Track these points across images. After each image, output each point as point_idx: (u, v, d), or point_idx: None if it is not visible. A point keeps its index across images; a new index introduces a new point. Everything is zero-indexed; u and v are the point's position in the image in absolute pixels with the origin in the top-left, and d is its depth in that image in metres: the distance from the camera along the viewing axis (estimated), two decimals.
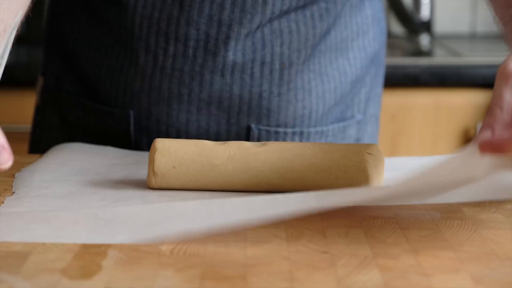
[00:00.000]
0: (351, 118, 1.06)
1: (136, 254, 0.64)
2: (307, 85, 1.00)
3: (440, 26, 2.22)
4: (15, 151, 0.82)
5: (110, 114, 1.01)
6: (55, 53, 1.07)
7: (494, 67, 1.98)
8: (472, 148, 0.70)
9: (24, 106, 1.84)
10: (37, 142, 1.10)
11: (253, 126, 0.98)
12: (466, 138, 1.87)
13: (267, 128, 0.99)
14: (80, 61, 1.03)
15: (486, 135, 0.71)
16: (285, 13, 0.97)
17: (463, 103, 1.87)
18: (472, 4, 2.25)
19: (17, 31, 0.83)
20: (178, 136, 0.99)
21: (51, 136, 1.07)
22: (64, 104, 1.05)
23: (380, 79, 1.11)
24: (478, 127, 1.86)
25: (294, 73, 0.99)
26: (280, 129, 0.99)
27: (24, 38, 2.16)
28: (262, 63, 0.97)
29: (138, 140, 1.00)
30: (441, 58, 1.93)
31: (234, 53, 0.96)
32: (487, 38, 2.24)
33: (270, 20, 0.96)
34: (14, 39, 0.82)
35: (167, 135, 0.99)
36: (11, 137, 1.15)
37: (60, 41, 1.06)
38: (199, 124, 0.98)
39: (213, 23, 0.95)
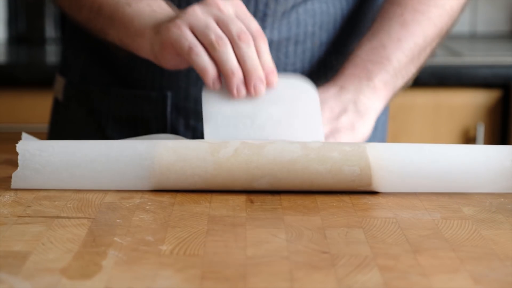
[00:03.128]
0: None
1: (136, 254, 0.64)
2: (336, 65, 1.04)
3: None
4: (15, 151, 0.82)
5: (146, 98, 1.04)
6: (80, 49, 1.09)
7: (494, 67, 1.99)
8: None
9: (24, 106, 1.84)
10: (58, 136, 1.12)
11: None
12: (466, 138, 1.87)
13: None
14: (111, 51, 1.04)
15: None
16: None
17: (463, 103, 1.87)
18: (472, 4, 2.25)
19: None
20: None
21: (76, 129, 1.09)
22: (93, 96, 1.07)
23: None
24: (478, 127, 1.86)
25: (324, 53, 1.04)
26: None
27: (24, 38, 2.16)
28: (296, 42, 1.02)
29: (175, 122, 1.03)
30: (441, 58, 1.93)
31: (271, 31, 1.01)
32: (487, 38, 2.24)
33: (305, 0, 1.02)
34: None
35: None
36: (10, 137, 1.15)
37: (85, 36, 1.07)
38: None
39: (251, 2, 0.99)
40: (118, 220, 0.72)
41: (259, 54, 0.86)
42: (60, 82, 1.12)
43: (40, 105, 1.81)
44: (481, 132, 1.85)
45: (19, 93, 1.84)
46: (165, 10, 0.93)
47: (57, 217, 0.73)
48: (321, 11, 1.03)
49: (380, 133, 1.13)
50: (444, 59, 1.91)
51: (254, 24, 0.87)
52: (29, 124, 1.83)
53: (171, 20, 0.88)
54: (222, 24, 0.86)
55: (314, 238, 0.68)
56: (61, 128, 1.13)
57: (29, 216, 0.73)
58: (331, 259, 0.64)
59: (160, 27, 0.89)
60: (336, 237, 0.69)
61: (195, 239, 0.67)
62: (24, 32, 2.16)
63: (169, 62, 0.90)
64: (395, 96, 1.00)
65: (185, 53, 0.86)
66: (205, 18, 0.86)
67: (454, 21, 1.05)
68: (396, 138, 1.85)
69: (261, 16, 1.00)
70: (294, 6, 1.01)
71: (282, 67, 1.02)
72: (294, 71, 1.03)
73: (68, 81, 1.10)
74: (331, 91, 0.95)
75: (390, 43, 0.98)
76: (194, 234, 0.69)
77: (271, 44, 1.01)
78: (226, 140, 0.81)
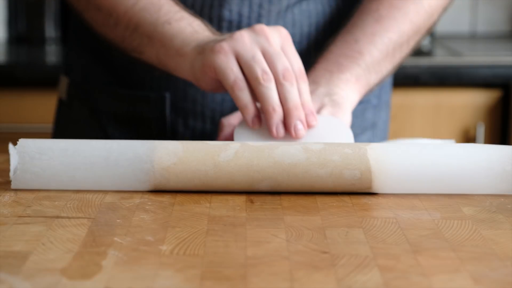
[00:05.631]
0: (367, 102, 1.09)
1: (136, 254, 0.64)
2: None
3: (440, 26, 2.22)
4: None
5: (145, 99, 1.03)
6: (83, 49, 1.09)
7: (494, 67, 1.98)
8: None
9: (24, 106, 1.84)
10: (62, 136, 1.12)
11: None
12: (466, 138, 1.87)
13: None
14: (111, 52, 1.04)
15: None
16: None
17: (463, 103, 1.87)
18: (472, 4, 2.25)
19: None
20: (213, 116, 1.01)
21: (79, 128, 1.09)
22: (94, 96, 1.07)
23: None
24: (478, 127, 1.86)
25: (321, 53, 1.02)
26: None
27: (24, 38, 2.16)
28: (293, 43, 1.01)
29: (174, 122, 1.03)
30: (441, 58, 1.93)
31: None
32: (487, 38, 2.24)
33: (299, 1, 1.01)
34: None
35: (203, 116, 1.02)
36: (10, 137, 1.15)
37: (89, 36, 1.07)
38: (233, 103, 1.01)
39: (244, 3, 0.99)
40: (118, 220, 0.72)
41: (300, 95, 0.86)
42: (63, 82, 1.13)
43: (40, 105, 1.81)
44: (481, 132, 1.85)
45: (19, 93, 1.83)
46: (205, 31, 0.92)
47: (57, 217, 0.73)
48: (317, 11, 1.03)
49: (381, 132, 1.13)
50: (444, 59, 1.91)
51: (298, 63, 0.87)
52: (29, 124, 1.83)
53: (217, 42, 0.86)
54: (269, 59, 0.85)
55: (314, 238, 0.68)
56: (64, 127, 1.14)
57: (29, 216, 0.73)
58: (331, 259, 0.64)
59: (204, 48, 0.87)
60: (336, 237, 0.69)
61: (195, 239, 0.67)
62: (24, 32, 2.16)
63: (208, 85, 0.89)
64: (369, 91, 0.99)
65: (229, 86, 0.85)
66: (252, 48, 0.85)
67: (434, 20, 1.03)
68: (397, 138, 1.85)
69: (255, 16, 0.99)
70: (288, 7, 1.01)
71: None
72: None
73: (71, 81, 1.11)
74: None
75: (363, 37, 0.97)
76: (194, 234, 0.69)
77: None
78: (226, 142, 0.81)
